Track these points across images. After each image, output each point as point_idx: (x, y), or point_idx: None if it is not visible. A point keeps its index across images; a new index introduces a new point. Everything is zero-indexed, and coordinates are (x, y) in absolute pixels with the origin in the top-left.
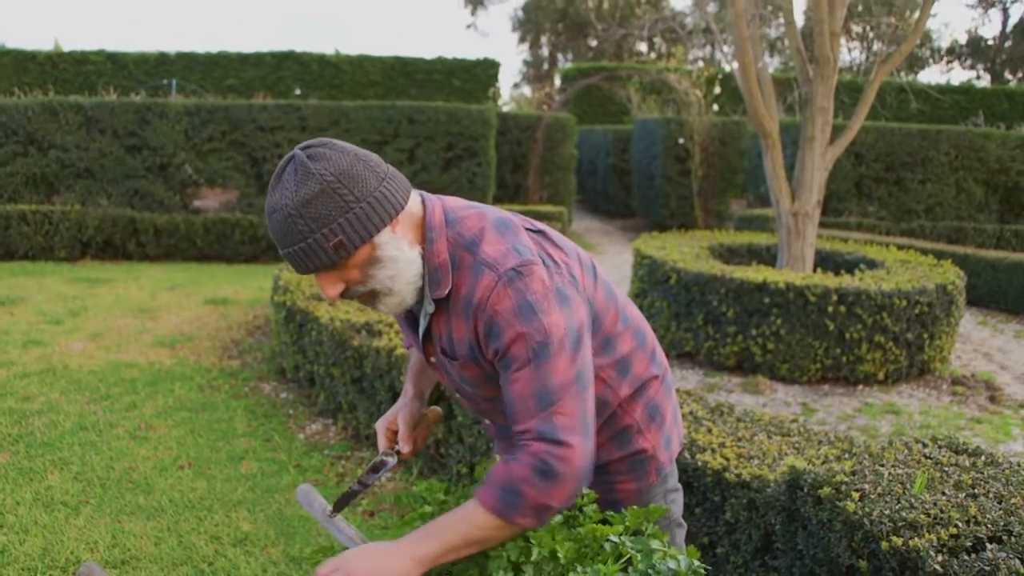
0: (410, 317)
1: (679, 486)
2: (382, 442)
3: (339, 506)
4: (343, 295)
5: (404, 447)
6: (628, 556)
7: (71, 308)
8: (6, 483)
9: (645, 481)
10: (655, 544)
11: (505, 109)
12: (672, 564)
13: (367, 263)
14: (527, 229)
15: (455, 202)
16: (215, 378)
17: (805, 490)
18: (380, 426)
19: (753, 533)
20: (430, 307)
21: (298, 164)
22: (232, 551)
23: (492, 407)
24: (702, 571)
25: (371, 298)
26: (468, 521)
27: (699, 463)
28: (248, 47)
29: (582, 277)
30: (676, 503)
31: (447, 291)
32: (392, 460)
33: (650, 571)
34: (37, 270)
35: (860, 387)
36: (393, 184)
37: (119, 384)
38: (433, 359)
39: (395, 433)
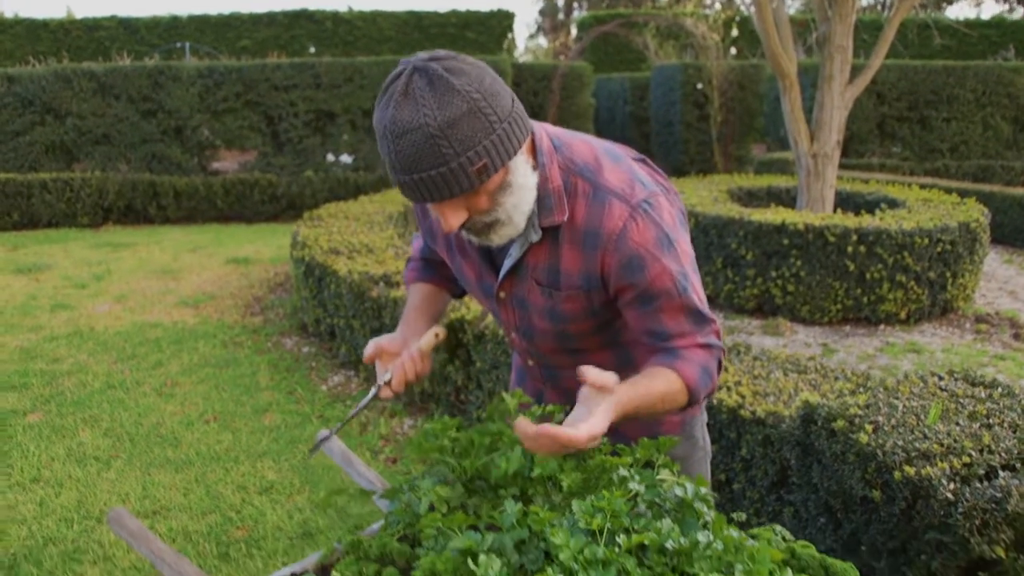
0: (483, 248)
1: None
2: (378, 372)
3: (315, 448)
4: (463, 226)
5: (393, 377)
6: (635, 489)
7: (95, 272)
8: (40, 440)
9: (689, 412)
10: (665, 474)
11: (521, 61)
12: (679, 491)
13: (498, 189)
14: (633, 159)
15: (556, 128)
16: (238, 335)
17: (819, 424)
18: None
19: (768, 468)
20: (535, 236)
21: (435, 78)
22: (258, 499)
23: (557, 346)
24: (709, 498)
25: (487, 229)
26: (661, 392)
27: (715, 401)
28: (260, 7)
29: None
30: (707, 434)
31: (563, 219)
32: (372, 392)
33: (656, 500)
34: (61, 237)
35: (881, 327)
36: (520, 105)
37: (144, 344)
38: (504, 295)
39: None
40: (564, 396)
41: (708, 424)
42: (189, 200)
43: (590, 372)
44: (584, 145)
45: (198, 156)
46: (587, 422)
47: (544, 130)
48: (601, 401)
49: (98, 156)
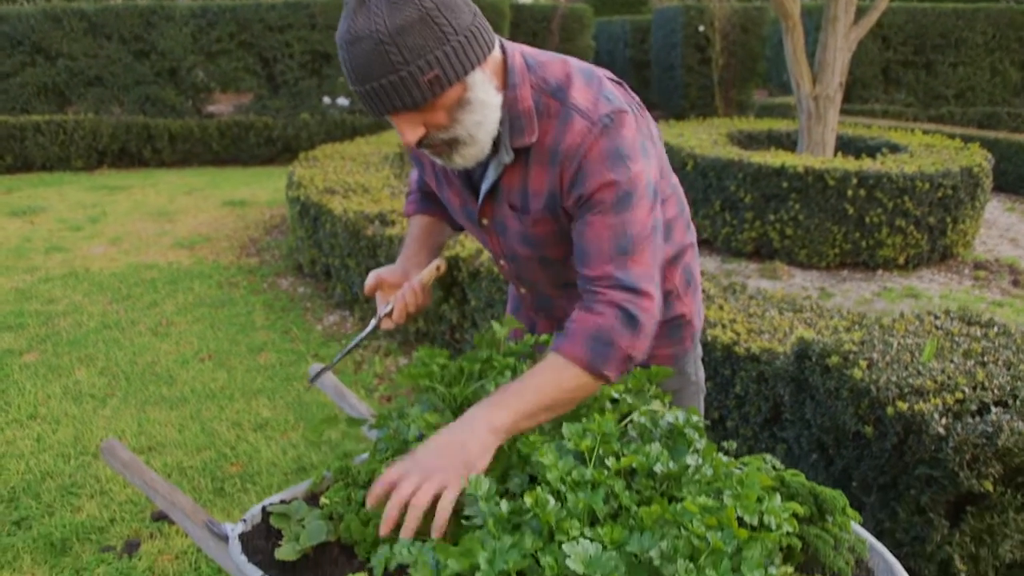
0: (463, 173)
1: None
2: (378, 305)
3: (315, 377)
4: (421, 142)
5: (394, 309)
6: (628, 413)
7: (90, 215)
8: (36, 379)
9: (681, 346)
10: (656, 405)
11: (520, 1)
12: (670, 418)
13: (456, 105)
14: (608, 78)
15: (532, 49)
16: (233, 275)
17: (813, 360)
18: (377, 295)
19: (762, 405)
20: (507, 157)
21: None
22: (253, 436)
23: (543, 274)
24: (700, 426)
25: (449, 148)
26: (551, 380)
27: (709, 338)
28: None
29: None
30: (701, 369)
31: (532, 139)
32: (372, 323)
33: (647, 425)
34: (55, 180)
35: (879, 272)
36: (483, 22)
37: (140, 284)
38: (486, 221)
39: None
40: (556, 325)
41: (703, 361)
42: (184, 143)
43: None
44: (559, 65)
45: (193, 99)
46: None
47: (519, 51)
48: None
49: (91, 98)
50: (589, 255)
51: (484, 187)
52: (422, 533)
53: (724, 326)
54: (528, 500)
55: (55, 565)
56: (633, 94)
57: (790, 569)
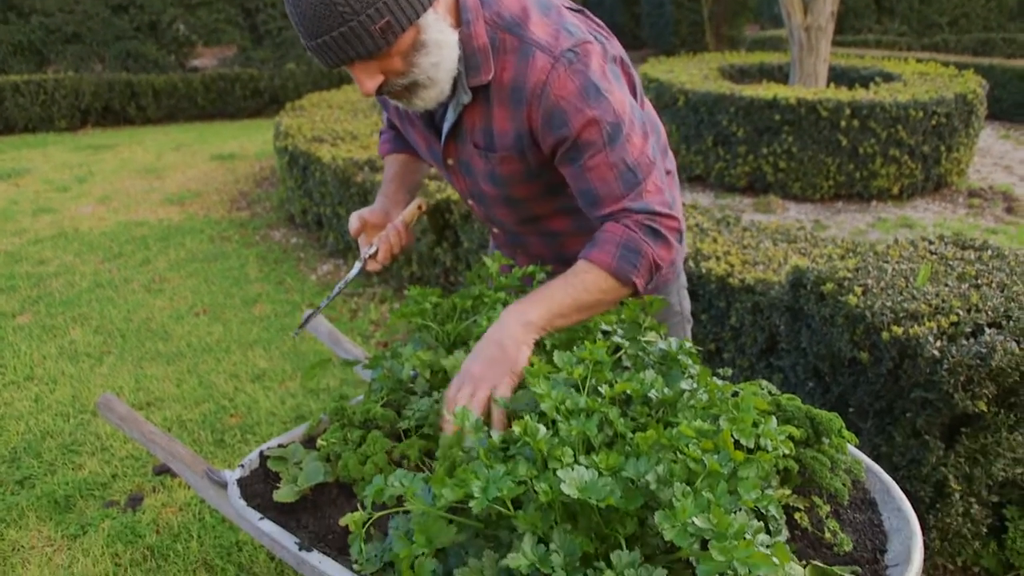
0: (426, 114)
1: (686, 283)
2: (361, 248)
3: (304, 323)
4: (380, 90)
5: (379, 247)
6: (618, 342)
7: (77, 175)
8: (31, 340)
9: (661, 277)
10: (651, 336)
11: None
12: (663, 345)
13: (412, 49)
14: (566, 8)
15: None
16: (225, 229)
17: (808, 288)
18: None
19: (758, 336)
20: (466, 97)
21: None
22: (251, 387)
23: (510, 212)
24: (694, 351)
25: (409, 92)
26: (580, 283)
27: (704, 270)
28: None
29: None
30: (686, 299)
31: (489, 77)
32: (358, 265)
33: (640, 353)
34: (39, 141)
35: (874, 203)
36: None
37: (131, 242)
38: (451, 161)
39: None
40: (535, 262)
41: (697, 294)
42: (169, 99)
43: None
44: None
45: (175, 53)
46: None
47: None
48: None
49: (70, 56)
50: (600, 197)
51: (445, 128)
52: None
53: (718, 258)
54: (517, 428)
55: (60, 522)
56: (595, 20)
57: (787, 491)
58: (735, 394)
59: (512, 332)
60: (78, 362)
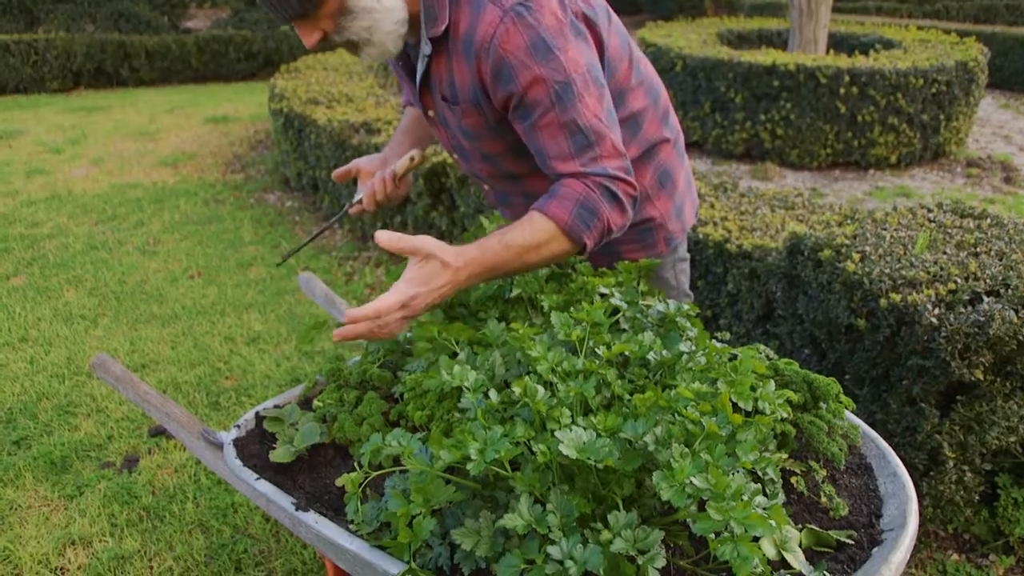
0: (408, 66)
1: (688, 256)
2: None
3: (285, 258)
4: (322, 45)
5: (364, 196)
6: (616, 304)
7: (70, 137)
8: (25, 302)
9: (653, 251)
10: (649, 299)
11: None
12: (661, 307)
13: (338, 13)
14: None
15: None
16: (219, 192)
17: (806, 254)
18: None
19: (755, 302)
20: (427, 48)
21: None
22: (246, 349)
23: (490, 168)
24: (692, 313)
25: (352, 48)
26: (526, 240)
27: (701, 236)
28: None
29: (596, 17)
30: (684, 273)
31: (443, 28)
32: (342, 211)
33: (638, 315)
34: (31, 103)
35: (871, 171)
36: None
37: (124, 204)
38: (431, 112)
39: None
40: None
41: (694, 259)
42: (162, 60)
43: (381, 236)
44: None
45: (168, 14)
46: (374, 302)
47: None
48: (418, 268)
49: (61, 15)
50: (551, 157)
51: (417, 79)
52: None
53: (715, 224)
54: (517, 389)
55: (57, 482)
56: None
57: (784, 455)
58: (733, 357)
59: (441, 285)
60: (72, 324)
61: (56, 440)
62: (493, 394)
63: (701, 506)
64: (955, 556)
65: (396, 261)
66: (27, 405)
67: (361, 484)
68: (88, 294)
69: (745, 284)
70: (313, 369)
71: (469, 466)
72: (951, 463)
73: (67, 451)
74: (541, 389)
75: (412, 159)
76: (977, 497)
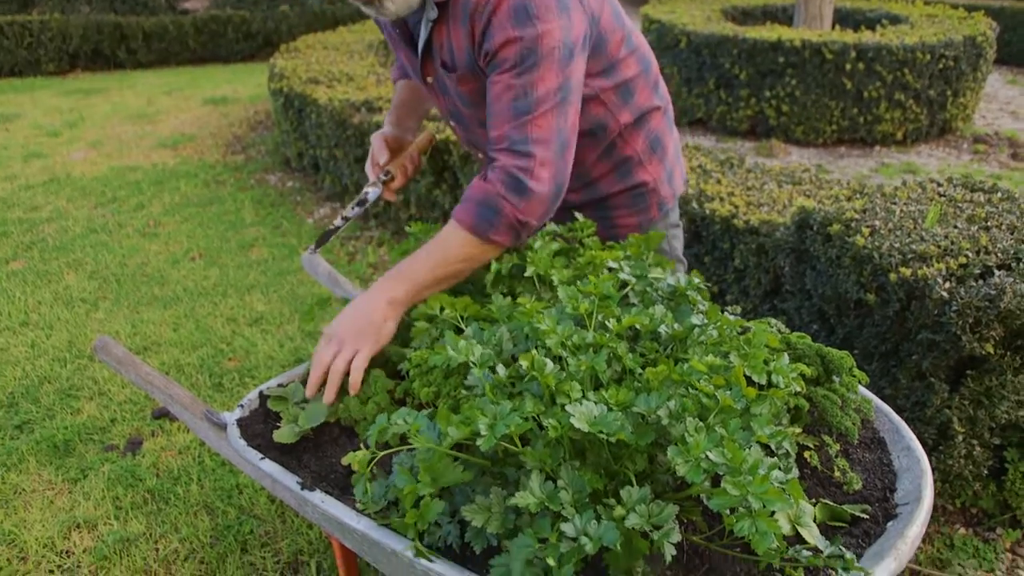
0: (406, 35)
1: (680, 223)
2: (371, 174)
3: (320, 242)
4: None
5: (395, 174)
6: (624, 278)
7: (68, 120)
8: (26, 286)
9: (646, 215)
10: (657, 272)
11: None
12: (671, 280)
13: None
14: None
15: None
16: (220, 173)
17: (815, 229)
18: (368, 162)
19: (762, 278)
20: (433, 13)
21: None
22: (249, 330)
23: (486, 135)
24: (703, 286)
25: (370, 2)
26: (443, 247)
27: (707, 211)
28: None
29: None
30: (677, 239)
31: None
32: (375, 190)
33: (648, 289)
34: (27, 85)
35: (877, 148)
36: None
37: (124, 187)
38: (431, 79)
39: (382, 165)
40: None
41: (701, 235)
42: (160, 42)
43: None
44: None
45: None
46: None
47: None
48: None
49: None
50: (492, 115)
51: (420, 44)
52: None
53: (722, 199)
54: (524, 363)
55: (60, 466)
56: None
57: (797, 429)
58: (744, 331)
59: (379, 307)
60: (73, 307)
61: (59, 424)
62: (501, 369)
63: (715, 481)
64: (962, 530)
65: (398, 240)
66: (29, 389)
67: (369, 464)
68: (88, 277)
69: (752, 259)
70: None
71: (479, 442)
72: (960, 437)
73: (70, 435)
74: (550, 363)
75: (431, 138)
76: (985, 471)
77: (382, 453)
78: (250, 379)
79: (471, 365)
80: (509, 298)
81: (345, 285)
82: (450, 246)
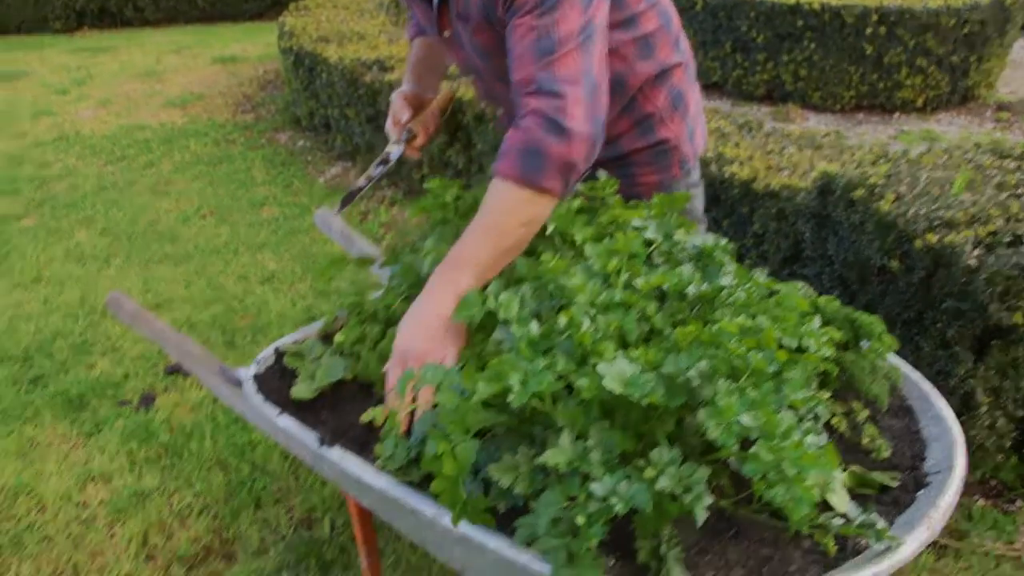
0: None
1: (701, 182)
2: (392, 134)
3: (346, 202)
4: None
5: (417, 132)
6: (651, 237)
7: (76, 78)
8: (37, 243)
9: (668, 173)
10: (680, 234)
11: None
12: (698, 240)
13: None
14: None
15: None
16: (230, 132)
17: (837, 194)
18: (388, 121)
19: (781, 243)
20: None
21: None
22: (260, 288)
23: (504, 88)
24: (729, 247)
25: None
26: (494, 215)
27: (727, 175)
28: None
29: None
30: (698, 198)
31: None
32: (398, 149)
33: (674, 249)
34: (35, 43)
35: (897, 115)
36: None
37: (133, 145)
38: (447, 33)
39: (403, 124)
40: None
41: (719, 199)
42: (167, 0)
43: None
44: None
45: None
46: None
47: None
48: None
49: None
50: (515, 60)
51: None
52: None
53: (742, 163)
54: (562, 319)
55: (75, 420)
56: None
57: (826, 394)
58: (771, 294)
59: (447, 304)
60: (85, 264)
61: (72, 378)
62: (535, 325)
63: (743, 445)
64: (981, 501)
65: (412, 198)
66: (43, 344)
67: (398, 417)
68: (99, 234)
69: (772, 224)
70: (329, 308)
71: (510, 398)
72: (984, 408)
73: (84, 389)
74: (587, 320)
75: (451, 95)
76: (1008, 443)
77: (405, 408)
78: (262, 337)
79: (507, 322)
80: (530, 257)
81: (360, 243)
82: (502, 210)
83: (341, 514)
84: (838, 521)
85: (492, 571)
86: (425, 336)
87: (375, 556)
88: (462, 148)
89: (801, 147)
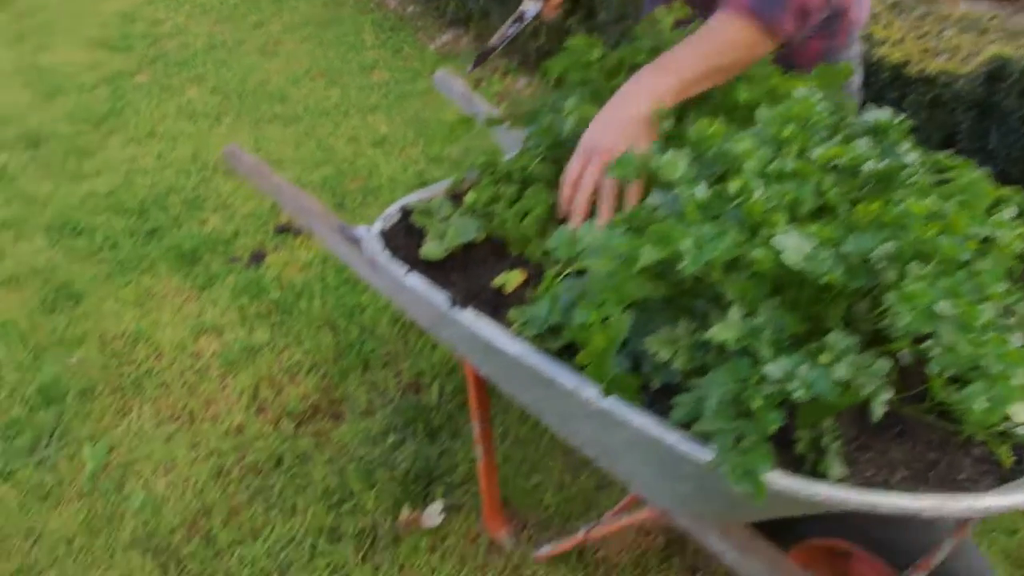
0: None
1: (860, 55)
2: None
3: (479, 61)
4: None
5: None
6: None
7: None
8: (150, 99)
9: (834, 40)
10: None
11: None
12: (872, 115)
13: None
14: None
15: None
16: None
17: (1010, 81)
18: None
19: (932, 134)
20: None
21: None
22: (371, 151)
23: None
24: (907, 124)
25: None
26: (713, 34)
27: (875, 57)
28: None
29: None
30: (857, 73)
31: None
32: (535, 6)
33: (841, 124)
34: None
35: None
36: None
37: (243, 4)
38: None
39: None
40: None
41: (868, 81)
42: None
43: None
44: None
45: None
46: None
47: None
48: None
49: None
50: None
51: None
52: None
53: (892, 45)
54: (733, 186)
55: (188, 273)
56: None
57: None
58: (945, 181)
59: (643, 101)
60: (196, 121)
61: (185, 233)
62: (702, 189)
63: (918, 339)
64: None
65: (526, 72)
66: (158, 198)
67: (557, 277)
68: (210, 92)
69: (924, 113)
70: (441, 174)
71: (681, 265)
72: None
73: (196, 243)
74: (761, 187)
75: None
76: None
77: (569, 269)
78: (372, 199)
79: (669, 185)
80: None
81: (480, 104)
82: (723, 32)
83: (450, 381)
84: (1021, 431)
85: (624, 450)
86: (616, 132)
87: (487, 425)
88: (583, 17)
89: (963, 29)
